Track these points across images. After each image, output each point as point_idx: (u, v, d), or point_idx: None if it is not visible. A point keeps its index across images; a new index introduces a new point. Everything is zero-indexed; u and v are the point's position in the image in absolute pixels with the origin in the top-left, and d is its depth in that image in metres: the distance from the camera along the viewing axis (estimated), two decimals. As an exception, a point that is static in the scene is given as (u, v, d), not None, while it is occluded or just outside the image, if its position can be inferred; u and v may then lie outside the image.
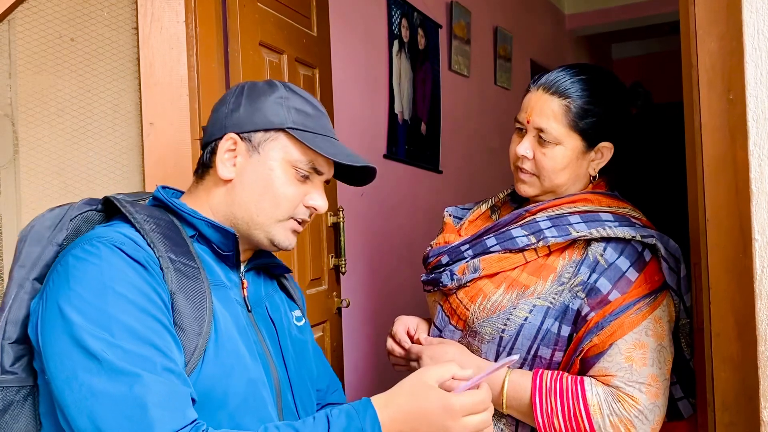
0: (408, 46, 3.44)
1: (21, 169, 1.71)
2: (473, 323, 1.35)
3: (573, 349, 1.29)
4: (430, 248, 1.50)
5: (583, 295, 1.29)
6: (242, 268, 1.20)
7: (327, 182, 1.21)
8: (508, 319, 1.31)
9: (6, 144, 1.71)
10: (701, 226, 1.18)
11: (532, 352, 1.31)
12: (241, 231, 1.16)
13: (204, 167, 1.18)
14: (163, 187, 1.20)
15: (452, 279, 1.38)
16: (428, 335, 1.46)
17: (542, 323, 1.30)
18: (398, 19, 3.35)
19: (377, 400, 1.01)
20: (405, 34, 3.41)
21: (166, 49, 1.65)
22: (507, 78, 4.62)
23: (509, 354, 1.32)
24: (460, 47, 3.97)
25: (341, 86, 2.83)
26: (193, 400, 0.98)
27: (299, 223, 1.17)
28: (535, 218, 1.38)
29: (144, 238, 1.05)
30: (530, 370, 1.32)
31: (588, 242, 1.33)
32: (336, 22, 2.71)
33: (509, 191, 1.54)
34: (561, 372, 1.29)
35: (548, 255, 1.35)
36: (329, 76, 2.41)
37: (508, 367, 1.33)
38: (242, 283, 1.18)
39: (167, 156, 1.65)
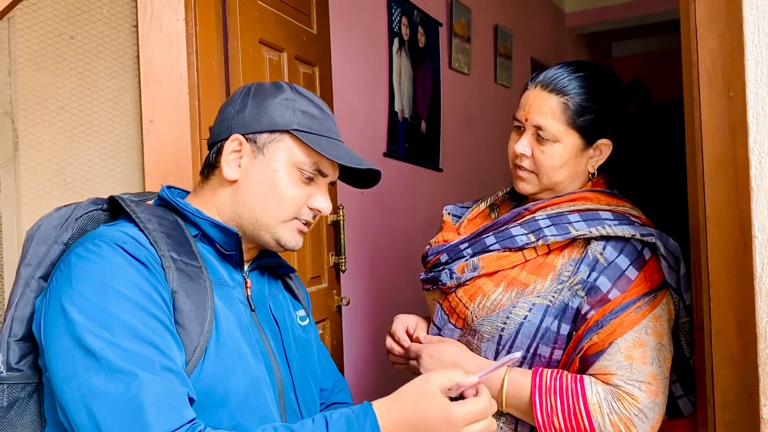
0: (408, 44, 3.44)
1: (21, 167, 1.71)
2: (472, 322, 1.35)
3: (572, 348, 1.29)
4: (429, 247, 1.50)
5: (582, 294, 1.29)
6: (246, 267, 1.21)
7: (332, 184, 1.21)
8: (507, 317, 1.31)
9: (6, 142, 1.71)
10: (701, 224, 1.18)
11: (531, 351, 1.31)
12: (247, 231, 1.16)
13: (210, 167, 1.18)
14: (168, 187, 1.21)
15: (451, 277, 1.38)
16: (427, 334, 1.46)
17: (542, 322, 1.30)
18: (398, 17, 3.35)
19: (378, 405, 1.01)
20: (405, 32, 3.41)
21: (166, 47, 1.65)
22: (507, 76, 4.62)
23: (509, 352, 1.32)
24: (460, 45, 3.97)
25: (341, 84, 2.83)
26: (192, 400, 0.98)
27: (304, 223, 1.18)
28: (534, 217, 1.38)
29: (147, 237, 1.06)
30: (530, 368, 1.32)
31: (587, 241, 1.33)
32: (336, 20, 2.71)
33: (508, 189, 1.54)
34: (561, 370, 1.29)
35: (548, 253, 1.35)
36: (329, 74, 2.41)
37: (508, 366, 1.33)
38: (246, 283, 1.19)
39: (167, 154, 1.65)
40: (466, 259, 1.39)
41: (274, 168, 1.14)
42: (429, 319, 1.50)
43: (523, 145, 1.38)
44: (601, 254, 1.30)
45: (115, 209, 1.16)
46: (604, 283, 1.28)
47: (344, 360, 2.62)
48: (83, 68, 1.71)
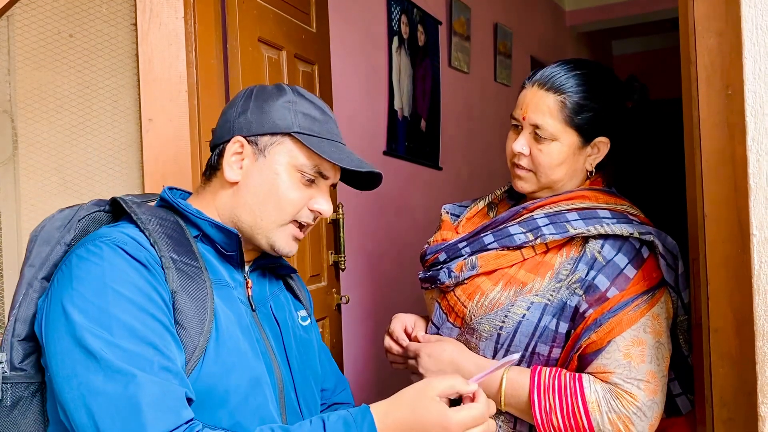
0: (408, 42, 3.44)
1: (20, 166, 1.71)
2: (471, 320, 1.35)
3: (571, 346, 1.29)
4: (427, 246, 1.50)
5: (581, 292, 1.29)
6: (247, 268, 1.21)
7: (333, 186, 1.22)
8: (505, 316, 1.31)
9: (5, 140, 1.71)
10: (700, 222, 1.18)
11: (529, 349, 1.31)
12: (245, 233, 1.17)
13: (212, 169, 1.19)
14: (170, 188, 1.21)
15: (450, 276, 1.38)
16: (426, 332, 1.46)
17: (540, 320, 1.30)
18: (398, 16, 3.35)
19: (376, 409, 1.01)
20: (405, 30, 3.41)
21: (165, 45, 1.65)
22: (507, 74, 4.61)
23: (507, 351, 1.32)
24: (459, 44, 3.97)
25: (341, 83, 2.83)
26: (190, 400, 0.99)
27: (302, 227, 1.18)
28: (532, 215, 1.38)
29: (147, 238, 1.07)
30: (528, 367, 1.32)
31: (586, 239, 1.33)
32: (335, 18, 2.71)
33: (506, 188, 1.54)
34: (559, 369, 1.29)
35: (546, 252, 1.35)
36: (329, 72, 2.41)
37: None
38: (246, 283, 1.19)
39: (166, 152, 1.65)
40: (465, 258, 1.39)
41: (275, 170, 1.14)
42: (427, 318, 1.50)
43: (520, 144, 1.38)
44: (600, 253, 1.30)
45: (117, 210, 1.17)
46: (602, 282, 1.28)
47: (343, 358, 2.62)
48: (82, 66, 1.71)
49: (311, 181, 1.16)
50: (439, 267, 1.42)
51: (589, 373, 1.28)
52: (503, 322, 1.31)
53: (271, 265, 1.28)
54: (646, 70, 5.91)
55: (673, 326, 1.33)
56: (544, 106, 1.35)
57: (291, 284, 1.33)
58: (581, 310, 1.28)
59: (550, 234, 1.33)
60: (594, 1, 5.56)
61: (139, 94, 1.68)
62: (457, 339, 1.39)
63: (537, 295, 1.31)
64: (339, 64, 2.79)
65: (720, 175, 1.14)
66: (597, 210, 1.36)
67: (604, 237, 1.31)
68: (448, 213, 1.56)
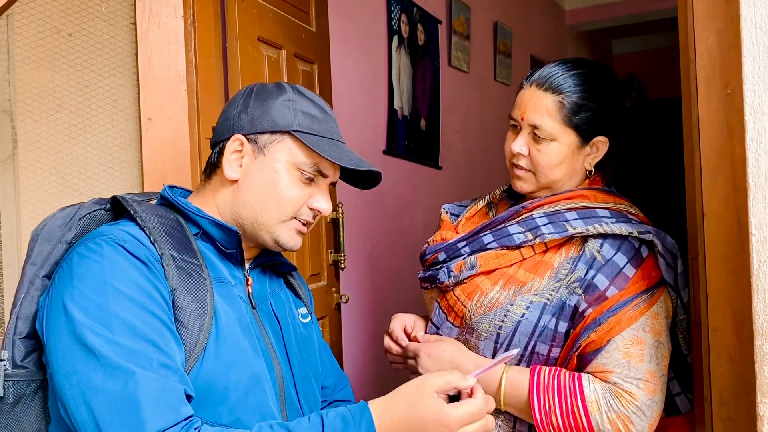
0: (407, 41, 3.44)
1: (20, 165, 1.71)
2: (470, 320, 1.35)
3: (570, 345, 1.29)
4: (427, 245, 1.50)
5: (580, 292, 1.29)
6: (247, 265, 1.22)
7: (333, 184, 1.22)
8: (505, 315, 1.31)
9: (5, 139, 1.71)
10: (699, 221, 1.18)
11: (529, 349, 1.31)
12: (247, 231, 1.17)
13: (212, 167, 1.20)
14: (170, 187, 1.22)
15: (449, 276, 1.39)
16: (425, 332, 1.46)
17: (539, 319, 1.30)
18: (397, 15, 3.34)
19: (374, 406, 1.02)
20: (404, 29, 3.41)
21: (164, 45, 1.65)
22: (507, 74, 4.61)
23: (506, 351, 1.32)
24: (459, 43, 3.97)
25: (340, 82, 2.83)
26: (190, 397, 0.99)
27: (303, 224, 1.19)
28: (531, 215, 1.38)
29: (147, 235, 1.07)
30: (527, 366, 1.32)
31: (585, 239, 1.33)
32: (335, 17, 2.71)
33: (505, 187, 1.54)
34: (559, 368, 1.29)
35: (545, 252, 1.35)
36: (328, 71, 2.41)
37: (506, 363, 1.33)
38: (247, 280, 1.20)
39: (165, 151, 1.65)
40: (464, 258, 1.39)
41: (275, 168, 1.14)
42: (427, 318, 1.50)
43: (519, 145, 1.38)
44: (599, 252, 1.30)
45: (117, 209, 1.18)
46: (601, 281, 1.28)
47: (343, 357, 2.62)
48: (82, 66, 1.71)
49: (311, 180, 1.17)
50: (438, 266, 1.43)
51: (588, 373, 1.28)
52: (502, 321, 1.31)
53: (272, 263, 1.28)
54: (646, 69, 5.91)
55: (672, 325, 1.33)
56: (542, 107, 1.35)
57: (291, 282, 1.33)
58: (580, 310, 1.28)
59: (549, 233, 1.33)
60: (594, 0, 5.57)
61: (138, 94, 1.68)
62: (456, 338, 1.39)
63: (536, 295, 1.31)
64: (339, 64, 2.79)
65: (719, 175, 1.14)
66: (596, 209, 1.36)
67: (604, 236, 1.31)
68: (447, 213, 1.56)
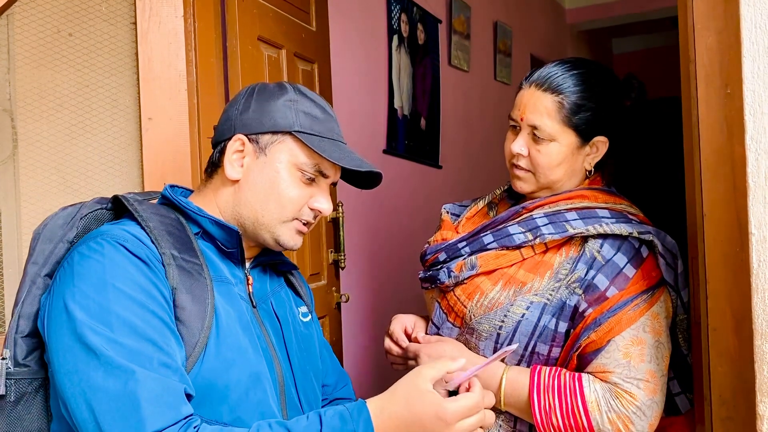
0: (407, 41, 3.44)
1: (20, 164, 1.71)
2: (471, 320, 1.35)
3: (570, 345, 1.29)
4: (427, 245, 1.50)
5: (580, 292, 1.29)
6: (248, 264, 1.22)
7: (334, 184, 1.22)
8: (505, 315, 1.31)
9: (5, 139, 1.71)
10: (699, 221, 1.18)
11: (529, 349, 1.31)
12: (248, 230, 1.18)
13: (213, 166, 1.20)
14: (171, 186, 1.22)
15: (449, 276, 1.39)
16: (426, 332, 1.46)
17: (539, 320, 1.30)
18: (398, 14, 3.34)
19: (372, 404, 1.02)
20: (404, 29, 3.41)
21: (165, 44, 1.65)
22: (507, 73, 4.61)
23: (506, 351, 1.32)
24: (459, 42, 3.97)
25: (340, 81, 2.83)
26: (190, 396, 1.00)
27: (304, 224, 1.19)
28: (532, 215, 1.38)
29: (148, 235, 1.08)
30: (528, 366, 1.32)
31: (585, 239, 1.33)
32: (335, 16, 2.71)
33: (506, 187, 1.54)
34: (559, 369, 1.29)
35: (545, 252, 1.35)
36: (328, 71, 2.41)
37: (506, 363, 1.33)
38: (247, 279, 1.20)
39: (166, 151, 1.65)
40: (464, 258, 1.39)
41: (276, 169, 1.15)
42: (427, 318, 1.51)
43: (519, 145, 1.38)
44: (599, 252, 1.30)
45: (118, 208, 1.18)
46: (601, 281, 1.28)
47: (343, 357, 2.62)
48: (82, 65, 1.71)
49: (311, 180, 1.17)
50: (439, 267, 1.43)
51: (588, 373, 1.28)
52: (503, 321, 1.31)
53: (272, 262, 1.28)
54: (646, 69, 5.91)
55: (672, 325, 1.33)
56: (541, 107, 1.35)
57: (292, 281, 1.33)
58: (580, 310, 1.28)
59: (549, 234, 1.33)
60: (594, -1, 5.57)
61: (138, 93, 1.68)
62: (457, 339, 1.39)
63: (536, 295, 1.31)
64: (339, 63, 2.79)
65: (719, 174, 1.14)
66: (596, 209, 1.36)
67: (604, 236, 1.31)
68: (448, 213, 1.56)
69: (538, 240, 1.33)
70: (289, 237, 1.18)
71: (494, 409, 1.31)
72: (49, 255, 1.11)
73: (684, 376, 1.35)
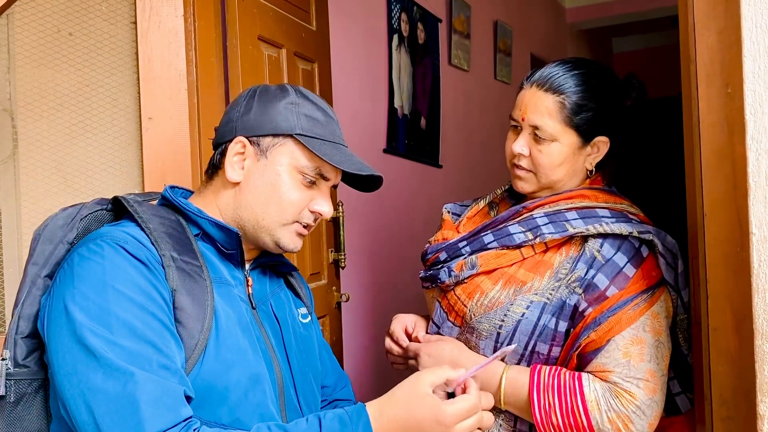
0: (408, 40, 3.43)
1: (20, 164, 1.71)
2: (471, 319, 1.35)
3: (570, 345, 1.29)
4: (428, 245, 1.50)
5: (580, 291, 1.29)
6: (248, 266, 1.22)
7: (334, 187, 1.22)
8: (505, 315, 1.31)
9: (5, 139, 1.71)
10: (699, 221, 1.18)
11: (529, 348, 1.31)
12: (248, 233, 1.18)
13: (214, 168, 1.20)
14: (171, 187, 1.22)
15: (450, 275, 1.39)
16: (426, 332, 1.46)
17: (539, 319, 1.30)
18: (398, 14, 3.34)
19: (371, 407, 1.02)
20: (405, 28, 3.41)
21: (165, 44, 1.65)
22: (507, 72, 4.61)
23: (506, 351, 1.32)
24: (459, 41, 3.97)
25: (341, 81, 2.83)
26: (189, 398, 1.00)
27: (304, 227, 1.19)
28: (532, 215, 1.38)
29: (148, 236, 1.08)
30: (528, 365, 1.32)
31: (585, 238, 1.33)
32: (335, 16, 2.71)
33: (507, 187, 1.54)
34: (559, 368, 1.29)
35: (545, 251, 1.35)
36: (328, 70, 2.41)
37: (506, 362, 1.33)
38: (247, 281, 1.20)
39: (166, 150, 1.65)
40: (465, 257, 1.39)
41: (277, 171, 1.15)
42: (428, 318, 1.51)
43: (520, 145, 1.38)
44: (599, 252, 1.30)
45: (118, 209, 1.18)
46: (601, 281, 1.28)
47: (343, 356, 2.62)
48: (82, 65, 1.71)
49: (312, 183, 1.17)
50: (439, 266, 1.43)
51: (588, 372, 1.28)
52: (503, 320, 1.32)
53: (272, 263, 1.28)
54: (647, 68, 5.91)
55: (672, 325, 1.33)
56: (543, 107, 1.35)
57: (291, 282, 1.33)
58: (580, 309, 1.28)
59: (549, 233, 1.33)
60: (594, -2, 5.56)
61: (138, 93, 1.68)
62: (457, 338, 1.39)
63: (536, 294, 1.31)
64: (339, 62, 2.79)
65: (719, 174, 1.14)
66: (596, 209, 1.36)
67: (604, 236, 1.31)
68: (449, 212, 1.56)
69: (538, 239, 1.33)
70: (289, 240, 1.18)
71: (494, 408, 1.31)
72: (49, 256, 1.11)
73: (684, 375, 1.35)
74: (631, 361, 1.24)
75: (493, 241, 1.38)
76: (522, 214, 1.40)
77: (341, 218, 2.49)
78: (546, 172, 1.37)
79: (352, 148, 1.25)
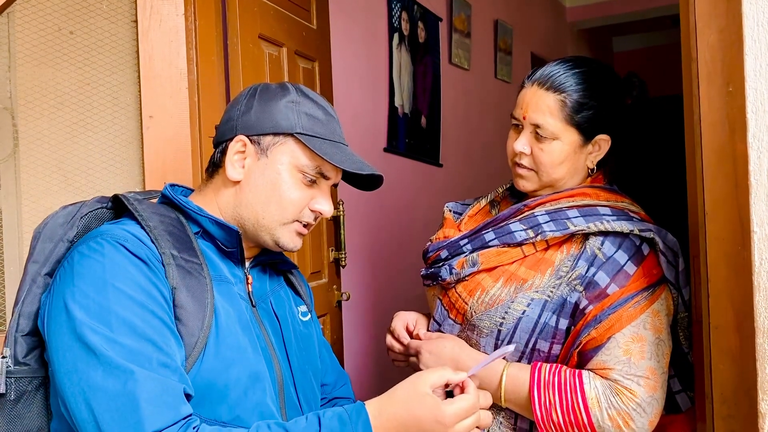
0: (408, 39, 3.43)
1: (21, 163, 1.71)
2: (472, 317, 1.35)
3: (571, 342, 1.30)
4: (429, 243, 1.50)
5: (581, 289, 1.29)
6: (247, 264, 1.22)
7: (335, 186, 1.22)
8: (506, 312, 1.32)
9: (6, 137, 1.71)
10: (700, 219, 1.18)
11: (530, 346, 1.31)
12: (248, 231, 1.18)
13: (214, 167, 1.20)
14: (172, 185, 1.22)
15: (451, 273, 1.39)
16: (427, 330, 1.46)
17: (540, 316, 1.30)
18: (398, 12, 3.34)
19: (371, 406, 1.03)
20: (405, 27, 3.41)
21: (166, 42, 1.65)
22: (507, 71, 4.61)
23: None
24: (460, 40, 3.97)
25: (341, 80, 2.83)
26: (189, 396, 1.00)
27: (304, 226, 1.19)
28: (533, 213, 1.38)
29: (148, 234, 1.08)
30: (528, 363, 1.32)
31: (586, 236, 1.33)
32: (336, 15, 2.71)
33: (508, 186, 1.54)
34: (559, 365, 1.30)
35: (546, 249, 1.35)
36: (329, 69, 2.41)
37: (506, 360, 1.33)
38: (247, 279, 1.20)
39: (166, 149, 1.65)
40: (466, 255, 1.40)
41: (277, 170, 1.15)
42: (429, 316, 1.51)
43: (521, 144, 1.38)
44: (600, 249, 1.30)
45: (119, 207, 1.18)
46: (602, 278, 1.28)
47: (344, 355, 2.63)
48: (83, 63, 1.71)
49: (313, 182, 1.17)
50: (440, 264, 1.43)
51: (589, 370, 1.28)
52: (503, 318, 1.32)
53: (272, 261, 1.28)
54: (647, 67, 5.90)
55: (673, 323, 1.33)
56: (544, 106, 1.35)
57: (291, 280, 1.33)
58: (581, 307, 1.28)
59: (550, 231, 1.33)
60: (594, -3, 5.56)
61: (139, 91, 1.68)
62: (458, 335, 1.40)
63: (537, 292, 1.31)
64: (340, 61, 2.79)
65: (721, 172, 1.14)
66: (597, 207, 1.36)
67: (605, 234, 1.32)
68: (450, 211, 1.56)
69: (539, 237, 1.34)
70: (289, 239, 1.18)
71: (495, 406, 1.31)
72: (49, 254, 1.11)
73: (684, 374, 1.35)
74: (632, 359, 1.25)
75: (495, 238, 1.38)
76: (523, 212, 1.40)
77: (342, 217, 2.49)
78: (547, 171, 1.37)
79: (353, 147, 1.25)
